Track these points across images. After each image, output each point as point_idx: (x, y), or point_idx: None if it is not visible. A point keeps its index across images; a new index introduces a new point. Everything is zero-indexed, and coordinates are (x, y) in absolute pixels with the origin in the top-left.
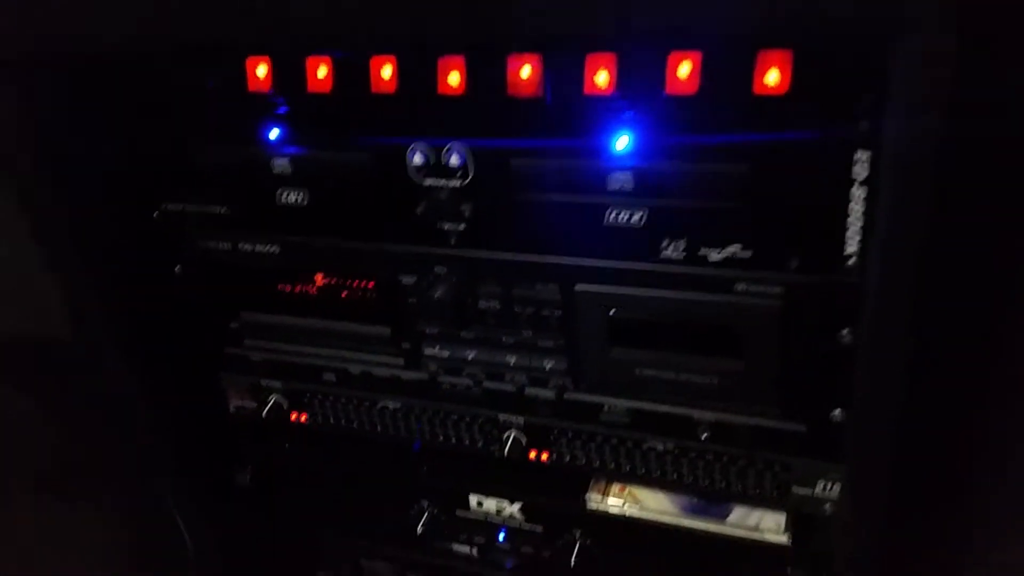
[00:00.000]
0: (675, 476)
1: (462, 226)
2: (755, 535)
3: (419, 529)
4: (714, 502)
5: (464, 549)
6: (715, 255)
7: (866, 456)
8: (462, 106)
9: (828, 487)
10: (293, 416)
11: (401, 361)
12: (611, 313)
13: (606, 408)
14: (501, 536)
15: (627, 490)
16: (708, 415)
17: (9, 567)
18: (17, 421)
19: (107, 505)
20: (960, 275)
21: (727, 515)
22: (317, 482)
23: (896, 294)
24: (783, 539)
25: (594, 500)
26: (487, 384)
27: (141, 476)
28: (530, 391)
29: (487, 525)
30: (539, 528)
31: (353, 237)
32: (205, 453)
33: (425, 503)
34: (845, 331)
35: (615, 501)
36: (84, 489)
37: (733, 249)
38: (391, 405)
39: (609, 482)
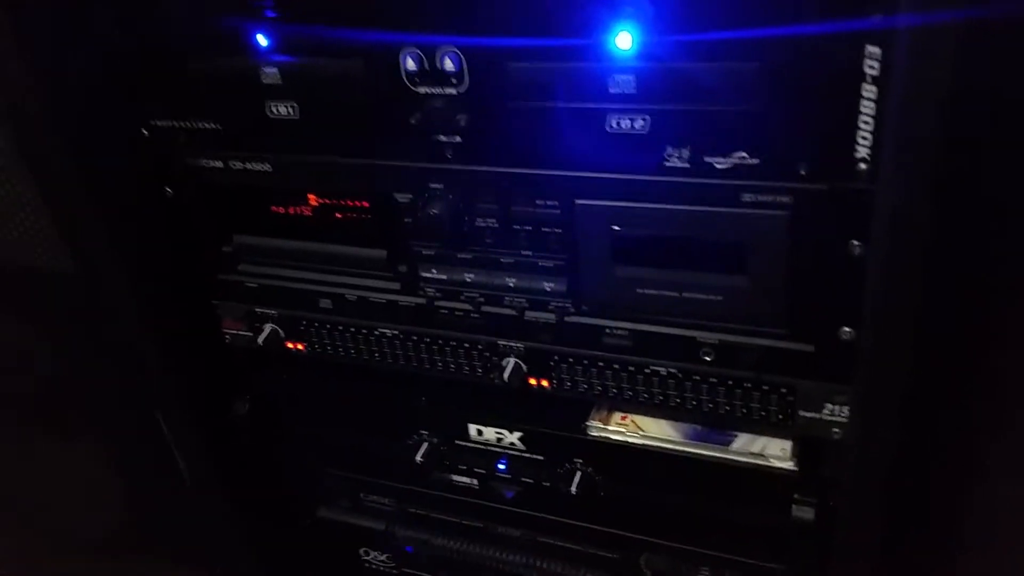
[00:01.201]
0: (678, 401)
1: (458, 138)
2: (760, 462)
3: (418, 459)
4: (718, 429)
5: (464, 480)
6: (721, 163)
7: (876, 376)
8: (456, 4)
9: (836, 410)
10: (290, 345)
11: (398, 285)
12: (613, 229)
13: (608, 331)
14: (501, 466)
15: (629, 418)
16: (712, 337)
17: (4, 500)
18: (14, 352)
19: (104, 438)
20: (978, 177)
21: (731, 442)
22: (315, 413)
23: (909, 201)
24: (789, 465)
25: (595, 428)
26: (486, 308)
27: (138, 407)
28: (530, 315)
29: (487, 454)
30: (540, 457)
31: (346, 153)
32: (202, 383)
33: (424, 433)
34: (855, 242)
35: (617, 429)
36: (81, 422)
37: (740, 156)
38: (389, 332)
39: (611, 410)
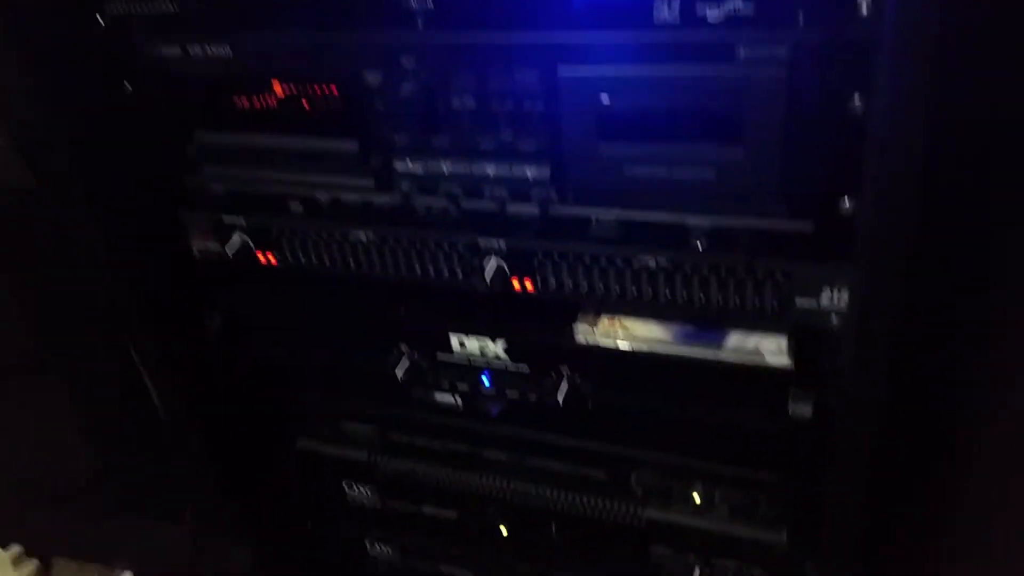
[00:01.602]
0: (668, 297)
1: (429, 3)
2: (755, 359)
3: (399, 375)
4: (710, 327)
5: (447, 399)
6: (714, 13)
7: (877, 252)
8: None
9: (835, 296)
10: (261, 256)
11: (371, 182)
12: (598, 99)
13: (594, 221)
14: (485, 380)
15: (617, 321)
16: (704, 221)
17: None
18: None
19: (72, 375)
20: (988, 26)
21: (724, 341)
22: (290, 331)
23: (913, 50)
24: (784, 362)
25: (583, 332)
26: (465, 203)
27: (106, 335)
28: (512, 208)
29: (470, 368)
30: (525, 368)
31: (309, 26)
32: (171, 302)
33: (404, 348)
34: (856, 100)
35: (605, 332)
36: (47, 355)
37: (734, 5)
38: (364, 236)
39: (598, 313)
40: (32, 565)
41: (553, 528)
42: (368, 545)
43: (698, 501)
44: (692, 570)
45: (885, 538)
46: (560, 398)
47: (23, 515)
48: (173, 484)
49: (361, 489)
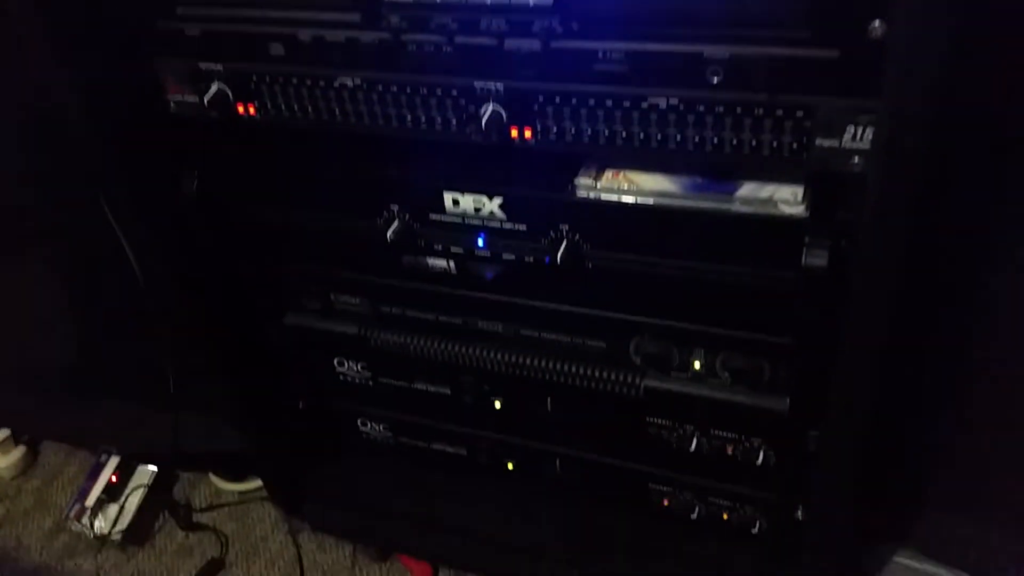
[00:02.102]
0: (678, 141)
1: None
2: (768, 210)
3: (389, 236)
4: (721, 177)
5: (440, 263)
6: None
7: (909, 83)
8: None
9: (858, 134)
10: (240, 108)
11: (358, 16)
12: None
13: (600, 56)
14: (480, 241)
15: (622, 174)
16: (721, 51)
17: None
18: None
19: (58, 256)
20: None
21: (736, 190)
22: (273, 194)
23: None
24: (800, 211)
25: (585, 187)
26: (459, 39)
27: (83, 199)
28: (511, 43)
29: (465, 229)
30: (522, 227)
31: None
32: (146, 160)
33: (395, 208)
34: None
35: (609, 186)
36: (32, 242)
37: None
38: (350, 81)
39: (601, 168)
40: (20, 450)
41: (549, 402)
42: (360, 424)
43: (699, 368)
44: (690, 441)
45: (894, 408)
46: (559, 257)
47: (10, 400)
48: (159, 365)
49: (352, 365)
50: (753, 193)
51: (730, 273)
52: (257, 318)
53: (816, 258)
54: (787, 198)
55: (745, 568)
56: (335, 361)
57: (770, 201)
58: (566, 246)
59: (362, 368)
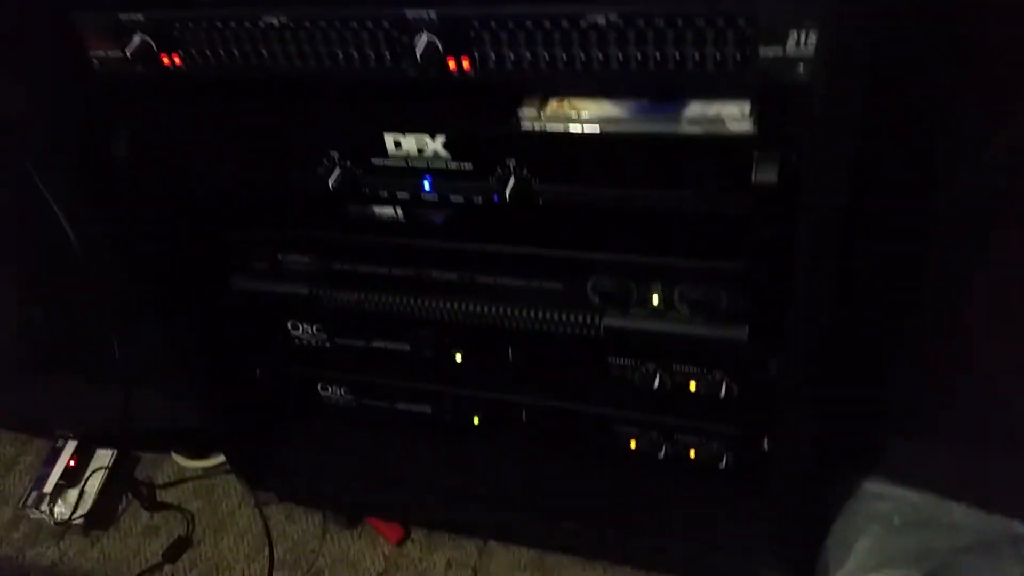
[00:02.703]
0: (620, 60)
1: None
2: (716, 128)
3: (331, 184)
4: (666, 99)
5: (387, 211)
6: None
7: None
8: None
9: (802, 40)
10: (165, 59)
11: None
12: None
13: None
14: (426, 184)
15: (566, 102)
16: None
17: None
18: None
19: None
20: None
21: (682, 111)
22: (206, 149)
23: None
24: (747, 127)
25: (529, 118)
26: None
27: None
28: None
29: (409, 172)
30: (468, 165)
31: None
32: (73, 122)
33: (335, 155)
34: None
35: (553, 115)
36: None
37: None
38: (276, 20)
39: (545, 96)
40: None
41: (510, 351)
42: (320, 388)
43: (656, 303)
44: (652, 379)
45: (854, 328)
46: (508, 194)
47: None
48: (107, 339)
49: (307, 328)
50: (700, 112)
51: (682, 199)
52: (203, 284)
53: (766, 174)
54: (734, 114)
55: (715, 504)
56: (288, 324)
57: (717, 119)
58: (514, 183)
59: (317, 330)
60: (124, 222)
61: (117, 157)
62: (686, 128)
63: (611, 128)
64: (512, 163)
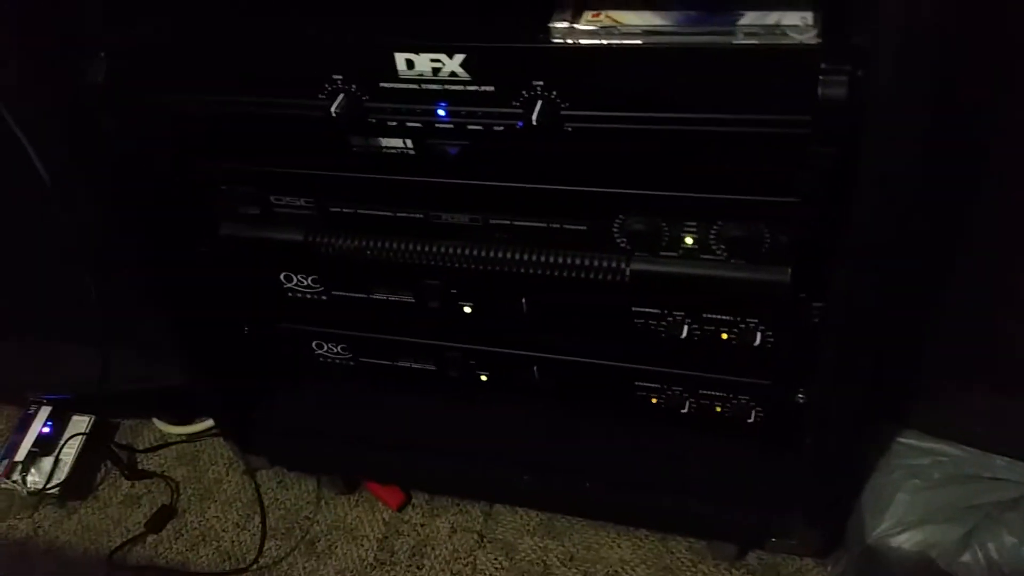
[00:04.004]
0: None
1: None
2: (776, 39)
3: (334, 111)
4: (718, 6)
5: (395, 143)
6: None
7: None
8: None
9: None
10: None
11: None
12: None
13: None
14: (441, 111)
15: (603, 14)
16: None
17: None
18: None
19: None
20: None
21: (738, 20)
22: (194, 73)
23: None
24: (811, 36)
25: (560, 31)
26: None
27: None
28: None
29: (422, 96)
30: (489, 88)
31: None
32: (40, 41)
33: (338, 79)
34: None
35: (589, 28)
36: None
37: None
38: None
39: (579, 7)
40: None
41: (524, 301)
42: (315, 346)
43: (691, 243)
44: (680, 329)
45: (906, 272)
46: (534, 119)
47: None
48: (82, 294)
49: (301, 279)
50: (757, 21)
51: (732, 122)
52: (188, 230)
53: (834, 89)
54: (796, 23)
55: (740, 462)
56: (281, 276)
57: (777, 28)
58: (542, 106)
59: (312, 282)
60: (100, 159)
61: (93, 84)
62: (741, 39)
63: (654, 41)
64: (539, 85)
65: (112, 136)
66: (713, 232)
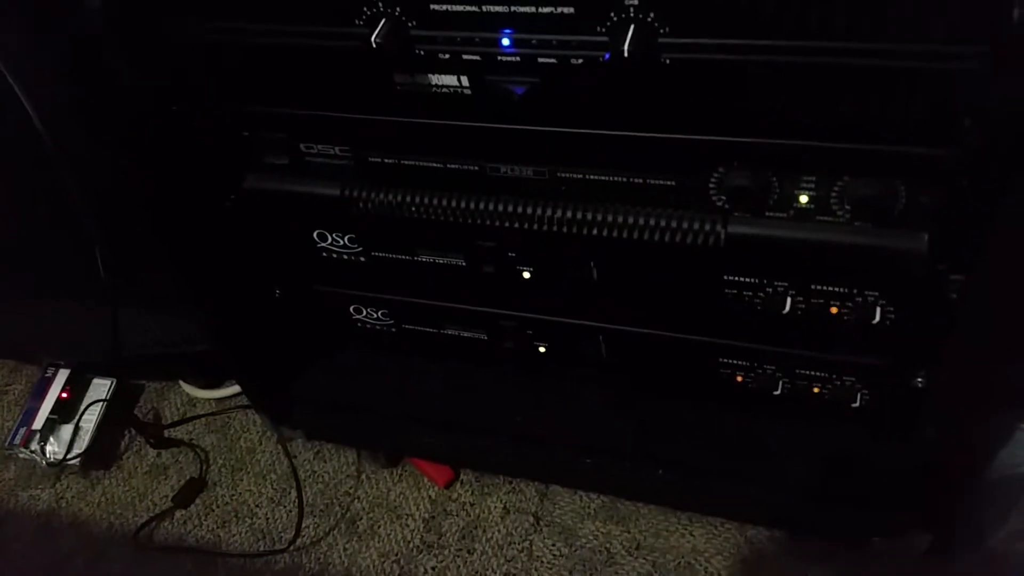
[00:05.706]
0: None
1: None
2: None
3: (375, 41)
4: None
5: (448, 80)
6: None
7: None
8: None
9: None
10: None
11: None
12: None
13: None
14: (505, 39)
15: None
16: None
17: None
18: None
19: None
20: None
21: None
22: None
23: None
24: None
25: None
26: None
27: None
28: None
29: (482, 21)
30: (568, 8)
31: None
32: None
33: (380, 4)
34: None
35: None
36: None
37: None
38: None
39: None
40: None
41: (593, 268)
42: (353, 311)
43: (806, 202)
44: (782, 302)
45: None
46: (625, 48)
47: None
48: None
49: (337, 238)
50: None
51: (880, 52)
52: (209, 183)
53: None
54: None
55: (840, 449)
56: (314, 234)
57: None
58: (634, 32)
59: (349, 241)
60: (105, 103)
61: (95, 7)
62: None
63: None
64: (633, 5)
65: (119, 74)
66: (836, 189)
